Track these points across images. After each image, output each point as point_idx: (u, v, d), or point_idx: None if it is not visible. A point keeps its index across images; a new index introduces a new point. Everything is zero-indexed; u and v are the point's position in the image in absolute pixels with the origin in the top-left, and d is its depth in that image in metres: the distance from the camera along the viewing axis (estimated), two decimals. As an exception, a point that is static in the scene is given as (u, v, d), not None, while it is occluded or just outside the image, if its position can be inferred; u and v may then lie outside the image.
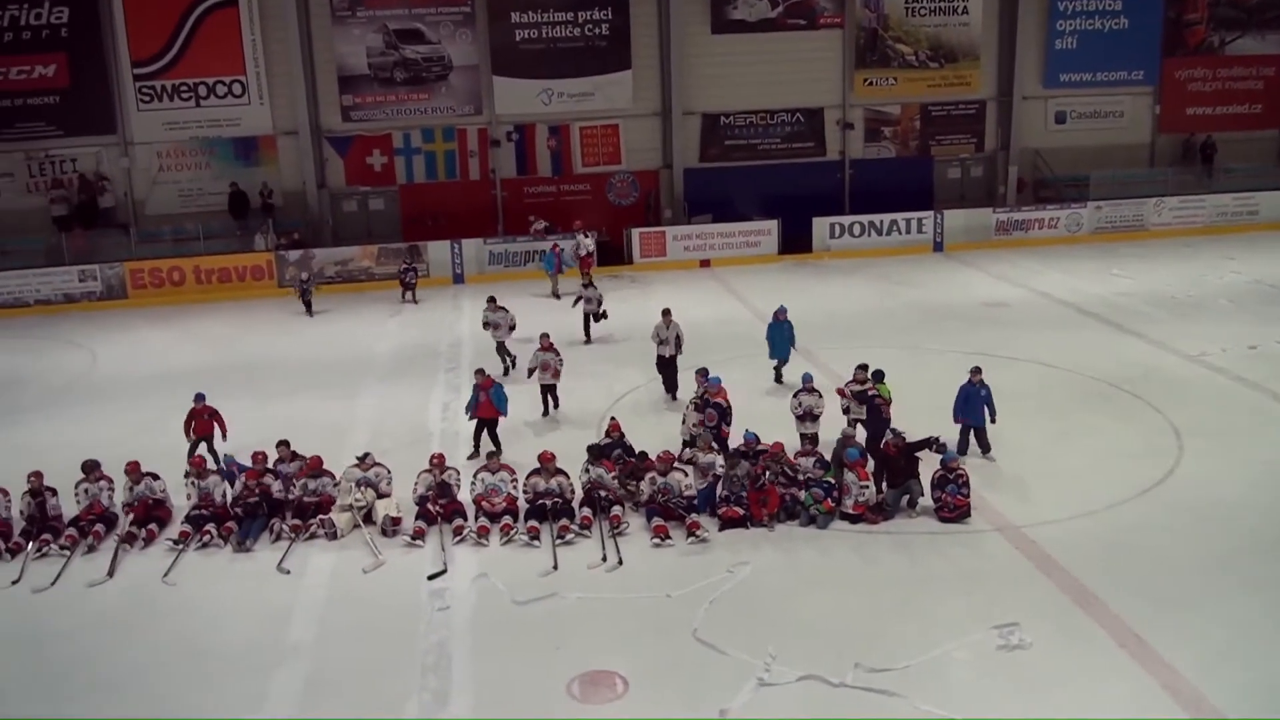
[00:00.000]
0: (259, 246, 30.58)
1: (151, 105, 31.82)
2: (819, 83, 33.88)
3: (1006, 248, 31.66)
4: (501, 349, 20.75)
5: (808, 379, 16.15)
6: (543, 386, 18.22)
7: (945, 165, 35.19)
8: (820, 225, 31.89)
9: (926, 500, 13.81)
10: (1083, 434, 16.57)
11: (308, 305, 27.01)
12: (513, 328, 20.95)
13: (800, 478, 13.94)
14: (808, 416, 15.72)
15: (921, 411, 15.72)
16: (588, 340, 22.82)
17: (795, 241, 31.71)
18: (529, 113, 32.86)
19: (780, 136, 34.04)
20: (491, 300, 21.34)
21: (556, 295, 26.63)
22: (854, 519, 13.53)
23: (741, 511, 13.55)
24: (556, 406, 18.30)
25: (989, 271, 28.91)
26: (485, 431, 16.42)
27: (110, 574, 13.21)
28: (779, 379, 19.35)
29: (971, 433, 15.68)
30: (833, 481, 13.74)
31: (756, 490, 13.64)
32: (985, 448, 15.62)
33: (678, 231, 31.96)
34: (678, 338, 18.84)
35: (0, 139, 31.60)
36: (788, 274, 29.80)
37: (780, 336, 19.32)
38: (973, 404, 15.55)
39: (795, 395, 15.98)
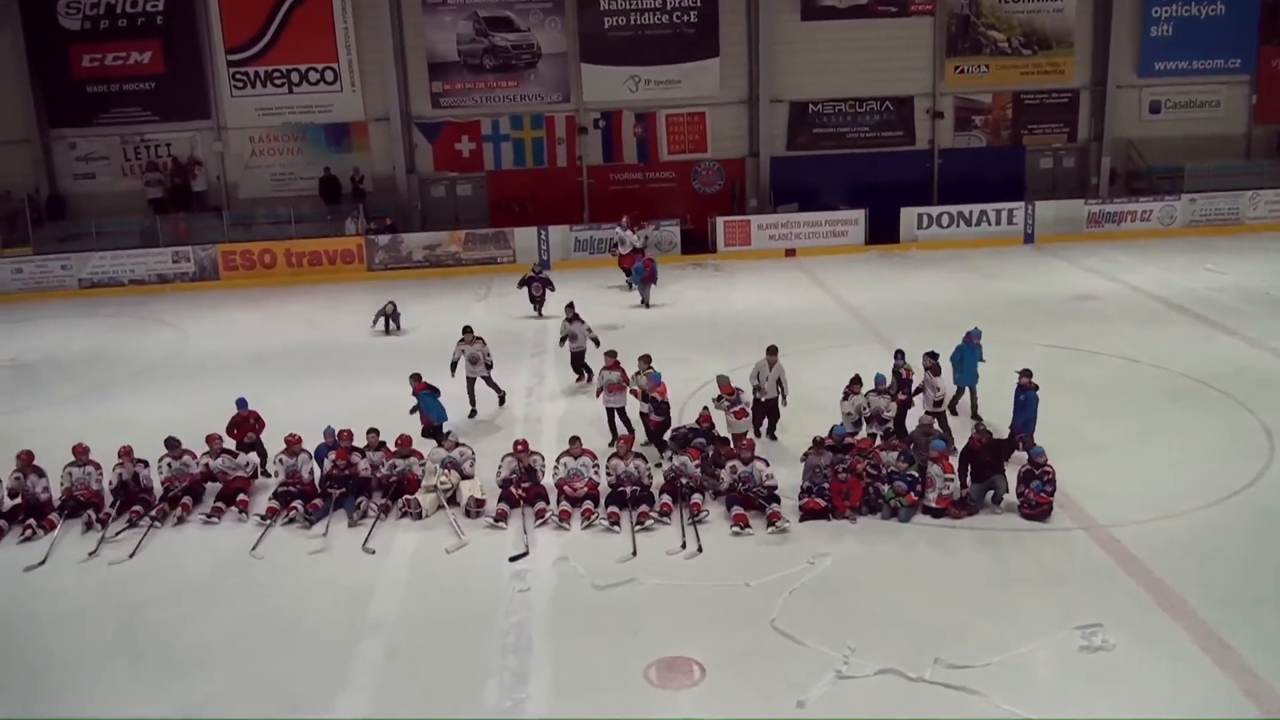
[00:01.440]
0: (349, 231, 31.10)
1: (245, 91, 32.55)
2: (909, 70, 33.49)
3: (1098, 240, 31.01)
4: (579, 361, 19.24)
5: (880, 380, 15.93)
6: (609, 409, 16.57)
7: (1037, 155, 34.56)
8: (908, 215, 31.53)
9: (1012, 496, 13.62)
10: (1170, 432, 16.17)
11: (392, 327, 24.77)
12: (597, 342, 18.90)
13: (884, 472, 13.81)
14: (875, 419, 15.55)
15: (1006, 405, 15.48)
16: (580, 378, 19.31)
17: (882, 232, 31.38)
18: (616, 100, 32.98)
19: (869, 125, 33.71)
20: (570, 309, 19.55)
21: (646, 304, 25.57)
22: (937, 513, 13.37)
23: (823, 503, 13.48)
24: (630, 431, 15.92)
25: (1080, 264, 28.35)
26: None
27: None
28: (955, 410, 16.67)
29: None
30: (916, 475, 13.61)
31: (839, 482, 13.56)
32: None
33: (763, 220, 31.83)
34: (780, 381, 16.19)
35: (97, 123, 32.68)
36: (874, 264, 29.55)
37: (971, 360, 16.84)
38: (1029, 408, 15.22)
39: (865, 395, 15.73)
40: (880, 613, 11.30)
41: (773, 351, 16.17)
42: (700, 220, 32.16)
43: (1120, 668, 10.20)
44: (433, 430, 16.21)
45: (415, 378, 16.74)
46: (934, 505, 13.39)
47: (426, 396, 16.54)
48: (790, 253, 31.06)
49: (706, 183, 33.59)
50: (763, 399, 16.08)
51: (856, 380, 15.86)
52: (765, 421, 16.36)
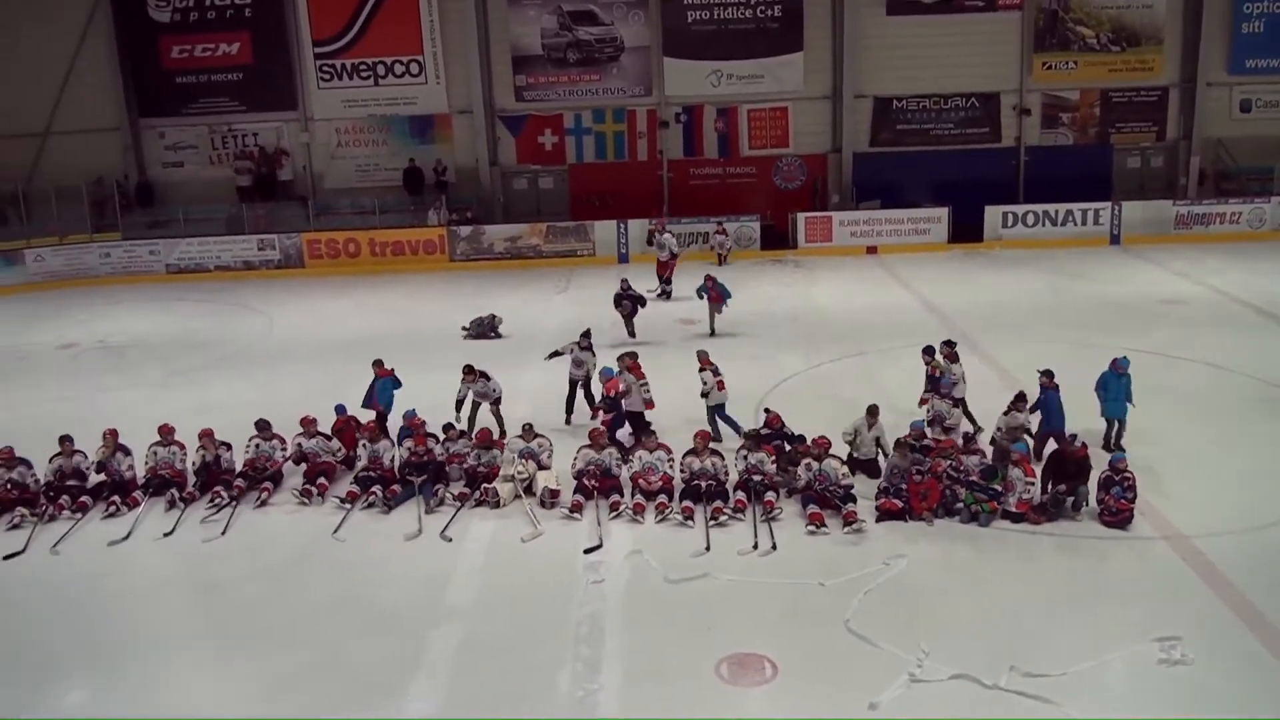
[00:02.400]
0: (432, 221, 31.54)
1: (331, 83, 33.14)
2: (995, 66, 32.99)
3: (1186, 242, 30.33)
4: (583, 392, 17.53)
5: (945, 384, 15.75)
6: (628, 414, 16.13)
7: (1125, 154, 33.86)
8: (992, 214, 31.12)
9: (1092, 503, 13.39)
10: (1256, 442, 15.75)
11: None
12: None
13: (964, 476, 13.62)
14: (937, 422, 15.34)
15: (1089, 409, 15.24)
16: (569, 420, 17.41)
17: (966, 230, 31.02)
18: (698, 94, 32.96)
19: (954, 122, 33.31)
20: (585, 336, 17.95)
21: (712, 331, 22.28)
22: (1016, 517, 13.17)
23: (900, 504, 13.38)
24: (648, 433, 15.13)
25: (1167, 267, 27.76)
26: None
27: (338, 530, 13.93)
28: (1110, 444, 15.20)
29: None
30: (999, 489, 13.39)
31: (917, 483, 13.46)
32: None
33: (844, 217, 31.62)
34: (879, 441, 14.86)
35: (185, 113, 33.59)
36: (957, 263, 29.22)
37: (1117, 390, 15.34)
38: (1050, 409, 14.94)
39: (929, 398, 15.55)
40: (956, 617, 11.20)
41: (873, 413, 14.90)
42: (781, 216, 32.03)
43: (1198, 683, 9.98)
44: (381, 419, 16.30)
45: (378, 363, 16.91)
46: (1013, 510, 13.21)
47: (385, 383, 16.72)
48: (872, 250, 30.84)
49: (788, 178, 33.45)
50: (859, 457, 14.76)
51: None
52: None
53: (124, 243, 31.53)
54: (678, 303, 24.77)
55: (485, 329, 23.20)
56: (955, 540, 12.96)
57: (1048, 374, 15.10)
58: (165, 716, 10.01)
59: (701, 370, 16.40)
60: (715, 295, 22.08)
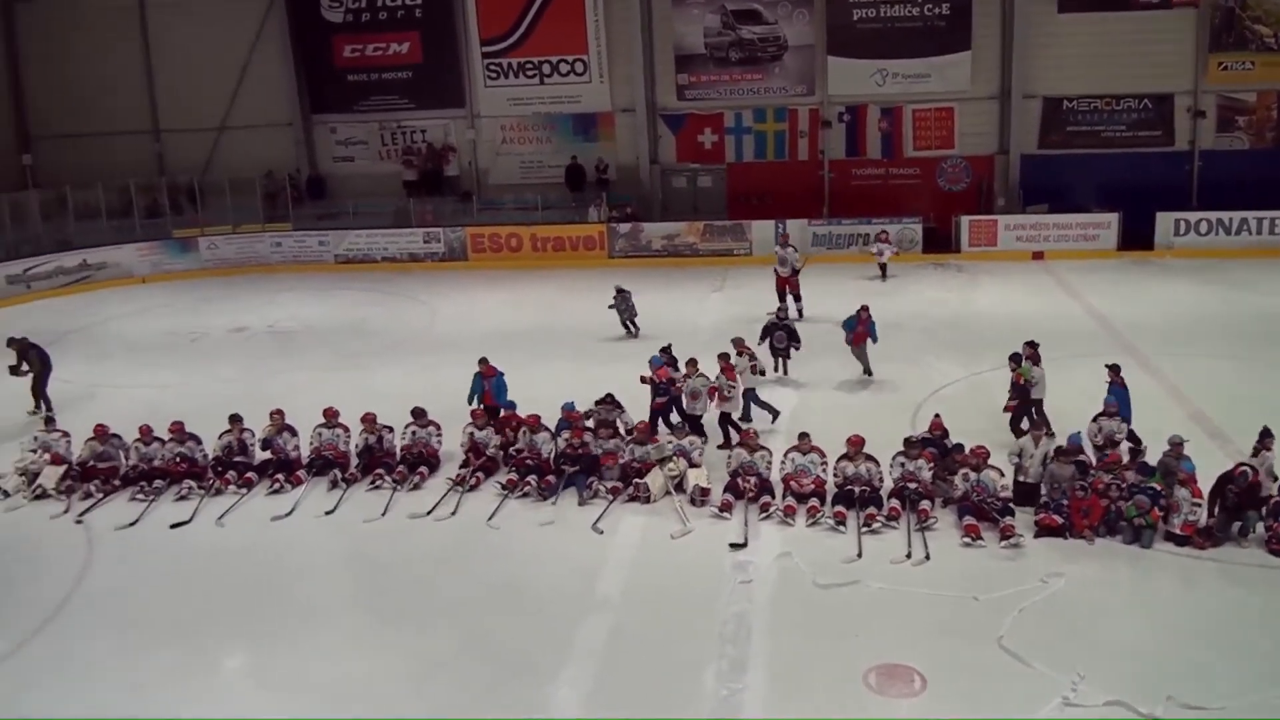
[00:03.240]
0: (592, 218, 31.98)
1: (498, 82, 33.87)
2: (1169, 66, 31.43)
3: (1370, 255, 28.65)
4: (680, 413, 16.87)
5: (1111, 402, 15.13)
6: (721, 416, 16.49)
7: (1306, 160, 32.08)
8: (1164, 220, 29.77)
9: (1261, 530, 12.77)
10: None
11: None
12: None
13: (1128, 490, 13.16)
14: (1108, 444, 14.68)
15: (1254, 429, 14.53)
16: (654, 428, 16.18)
17: (1136, 236, 29.80)
18: (861, 94, 32.49)
19: (1125, 123, 31.99)
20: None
21: (869, 372, 19.37)
22: (1180, 540, 12.65)
23: (1060, 520, 12.99)
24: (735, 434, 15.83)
25: (1349, 280, 26.24)
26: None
27: (453, 512, 14.46)
28: None
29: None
30: (1158, 489, 12.89)
31: (1079, 499, 13.06)
32: None
33: (1010, 220, 30.77)
34: (1046, 459, 13.93)
35: (357, 109, 34.88)
36: (1125, 271, 28.11)
37: None
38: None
39: (1095, 419, 14.90)
40: (1113, 641, 10.84)
41: (1038, 427, 14.65)
42: (944, 219, 31.39)
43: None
44: (493, 411, 16.61)
45: (484, 361, 17.20)
46: (1178, 532, 12.71)
47: (498, 381, 16.95)
48: (1037, 255, 29.96)
49: (952, 180, 32.77)
50: (1025, 481, 13.96)
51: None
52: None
53: (295, 233, 32.96)
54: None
55: (626, 311, 23.19)
56: (1116, 561, 12.55)
57: (1114, 368, 15.51)
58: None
59: (739, 355, 16.90)
60: (860, 335, 19.10)
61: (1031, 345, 16.25)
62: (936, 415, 15.45)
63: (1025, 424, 15.62)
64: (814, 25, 32.26)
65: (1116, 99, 31.86)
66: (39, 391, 19.40)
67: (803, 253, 24.18)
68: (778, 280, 24.13)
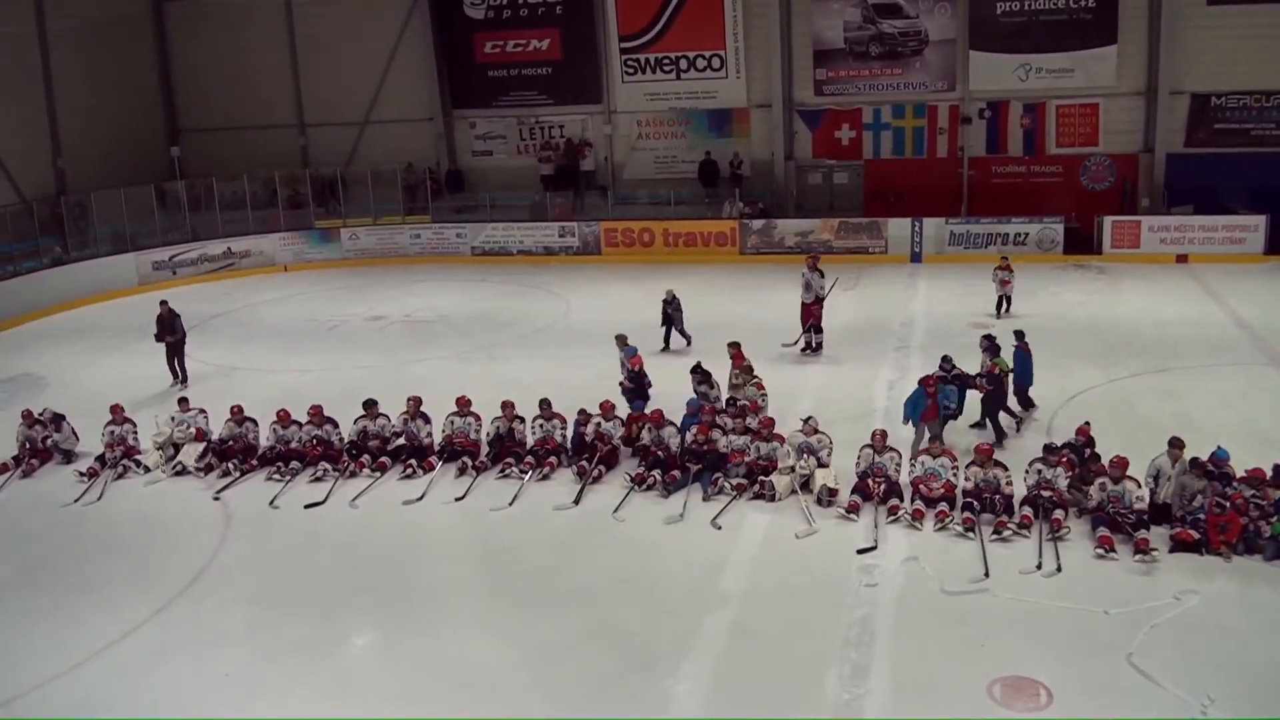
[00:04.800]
0: (725, 214, 31.97)
1: (635, 77, 34.12)
2: (1324, 61, 30.14)
3: None
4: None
5: None
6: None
7: None
8: (1315, 224, 28.55)
9: None
10: None
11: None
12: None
13: (1269, 508, 12.68)
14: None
15: None
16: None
17: (1285, 240, 28.62)
18: (1004, 89, 31.76)
19: (1276, 121, 30.53)
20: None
21: (939, 439, 15.60)
22: (1326, 560, 12.19)
23: (1197, 535, 12.57)
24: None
25: None
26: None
27: (576, 502, 14.70)
28: None
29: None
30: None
31: (1216, 514, 12.60)
32: None
33: (1154, 222, 29.73)
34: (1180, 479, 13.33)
35: (497, 104, 35.56)
36: (1273, 277, 26.94)
37: None
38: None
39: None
40: (1247, 663, 10.46)
41: (1176, 445, 13.56)
42: (1086, 219, 30.50)
43: None
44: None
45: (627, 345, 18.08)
46: (1324, 551, 12.24)
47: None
48: (1182, 259, 28.91)
49: (1095, 179, 31.84)
50: (1162, 501, 13.34)
51: None
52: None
53: (433, 225, 33.76)
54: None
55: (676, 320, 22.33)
56: (1254, 580, 12.07)
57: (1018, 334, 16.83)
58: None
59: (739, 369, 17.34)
60: (931, 410, 15.62)
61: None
62: (1086, 423, 14.99)
63: (1003, 417, 16.27)
64: (956, 19, 31.68)
65: (1267, 95, 30.40)
66: (181, 363, 20.37)
67: (832, 278, 21.68)
68: (802, 308, 21.76)
